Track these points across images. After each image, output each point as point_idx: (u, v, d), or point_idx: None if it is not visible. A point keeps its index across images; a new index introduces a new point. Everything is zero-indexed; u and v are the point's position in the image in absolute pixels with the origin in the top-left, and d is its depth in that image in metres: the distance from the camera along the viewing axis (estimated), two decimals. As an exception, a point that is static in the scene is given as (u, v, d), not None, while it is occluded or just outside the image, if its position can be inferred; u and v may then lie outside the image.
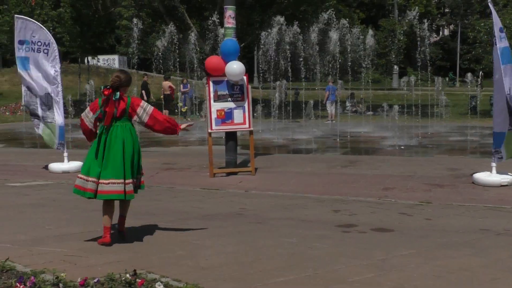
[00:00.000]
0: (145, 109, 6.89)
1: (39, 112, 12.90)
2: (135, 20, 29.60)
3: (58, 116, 12.72)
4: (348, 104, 31.92)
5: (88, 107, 7.07)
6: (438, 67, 68.64)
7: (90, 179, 6.66)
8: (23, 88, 13.19)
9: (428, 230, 7.41)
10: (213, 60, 12.09)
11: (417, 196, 9.77)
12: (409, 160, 14.07)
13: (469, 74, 28.92)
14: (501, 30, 10.42)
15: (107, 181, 6.64)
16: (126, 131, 6.82)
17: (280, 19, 25.91)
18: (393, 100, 40.79)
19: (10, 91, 40.74)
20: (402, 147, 16.72)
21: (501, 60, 10.15)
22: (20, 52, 12.86)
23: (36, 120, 13.12)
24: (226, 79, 11.83)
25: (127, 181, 6.73)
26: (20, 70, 13.06)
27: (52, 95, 12.67)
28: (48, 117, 12.85)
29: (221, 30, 22.27)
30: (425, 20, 33.37)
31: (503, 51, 10.31)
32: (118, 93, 6.70)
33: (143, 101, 7.07)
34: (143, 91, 28.39)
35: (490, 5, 10.68)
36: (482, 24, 33.44)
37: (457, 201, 9.35)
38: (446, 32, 77.65)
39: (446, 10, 73.99)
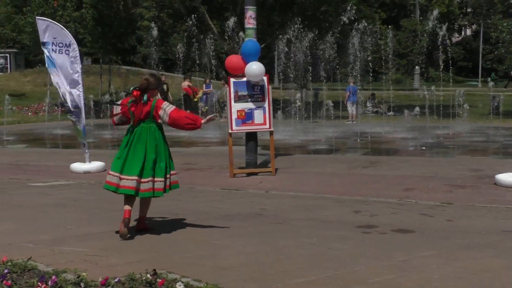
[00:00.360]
0: (165, 110, 7.07)
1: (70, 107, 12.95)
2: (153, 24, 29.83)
3: (81, 116, 12.80)
4: (369, 104, 31.81)
5: (121, 100, 7.41)
6: (460, 67, 68.26)
7: (114, 174, 7.01)
8: (56, 85, 13.21)
9: (449, 231, 7.37)
10: (233, 60, 12.10)
11: (439, 197, 9.71)
12: (430, 161, 13.99)
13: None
14: None
15: (124, 176, 6.95)
16: (150, 133, 7.06)
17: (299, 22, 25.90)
18: (417, 101, 40.63)
19: (33, 92, 41.08)
20: (423, 148, 16.63)
21: None
22: (46, 52, 12.95)
23: (71, 117, 13.08)
24: (246, 80, 11.84)
25: (143, 179, 6.96)
26: (49, 68, 13.11)
27: (73, 96, 12.74)
28: (76, 116, 12.93)
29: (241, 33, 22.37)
30: (447, 20, 33.20)
31: None
32: (146, 96, 6.90)
33: (165, 102, 7.23)
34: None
35: None
36: (505, 24, 33.21)
37: (479, 202, 9.28)
38: (469, 32, 77.13)
39: (469, 10, 73.48)
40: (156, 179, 7.05)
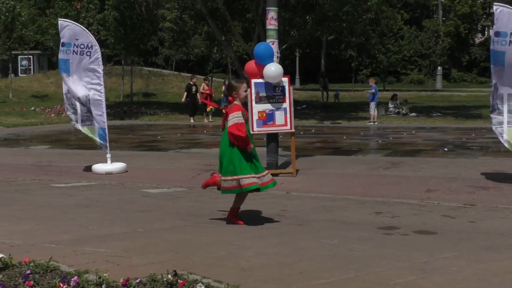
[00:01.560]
0: (228, 120, 7.60)
1: (79, 115, 13.07)
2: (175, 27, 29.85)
3: (100, 118, 12.89)
4: (390, 105, 31.70)
5: None
6: (483, 68, 67.76)
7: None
8: (64, 91, 13.40)
9: (471, 233, 7.32)
10: (252, 65, 12.13)
11: (461, 198, 9.66)
12: (452, 162, 13.90)
13: None
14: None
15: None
16: (225, 135, 7.66)
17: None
18: (439, 102, 40.41)
19: (56, 93, 41.43)
20: (446, 149, 16.53)
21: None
22: (61, 54, 13.06)
23: (76, 125, 13.30)
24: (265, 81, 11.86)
25: (222, 177, 7.68)
26: (61, 72, 13.26)
27: (93, 97, 12.84)
28: (88, 120, 13.04)
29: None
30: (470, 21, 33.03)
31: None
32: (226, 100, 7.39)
33: (234, 112, 7.57)
34: (185, 93, 28.62)
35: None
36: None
37: (502, 203, 9.21)
38: (491, 32, 76.55)
39: (492, 10, 72.96)
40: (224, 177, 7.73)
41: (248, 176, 7.49)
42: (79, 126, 13.23)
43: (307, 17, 31.27)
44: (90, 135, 13.15)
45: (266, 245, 6.70)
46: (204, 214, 8.49)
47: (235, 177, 7.50)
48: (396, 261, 6.00)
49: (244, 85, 7.80)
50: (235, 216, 7.85)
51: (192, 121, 28.29)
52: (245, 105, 7.98)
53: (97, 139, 13.03)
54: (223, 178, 7.62)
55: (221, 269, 5.71)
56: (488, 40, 69.86)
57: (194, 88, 28.50)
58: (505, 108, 10.91)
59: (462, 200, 9.43)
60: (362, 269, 5.72)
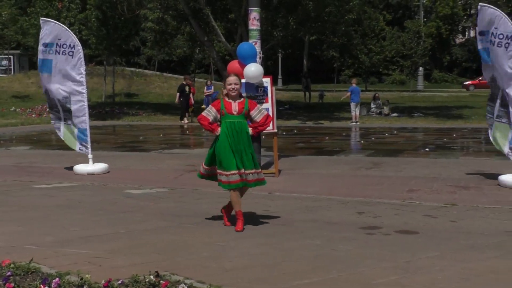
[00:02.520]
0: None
1: (61, 113, 13.04)
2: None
3: (82, 118, 12.83)
4: (372, 105, 31.82)
5: None
6: (464, 68, 68.23)
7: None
8: (44, 91, 13.35)
9: (453, 232, 7.36)
10: (235, 65, 12.11)
11: (442, 198, 9.71)
12: (434, 162, 13.96)
13: None
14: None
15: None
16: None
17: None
18: (420, 102, 40.62)
19: (37, 93, 41.13)
20: (427, 149, 16.62)
21: None
22: (43, 54, 12.97)
23: (57, 123, 13.26)
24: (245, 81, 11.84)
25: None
26: (41, 72, 13.18)
27: (74, 98, 12.78)
28: (68, 119, 12.99)
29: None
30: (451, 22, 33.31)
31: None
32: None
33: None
34: (178, 94, 28.65)
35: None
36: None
37: (482, 203, 9.27)
38: (472, 33, 77.08)
39: (473, 11, 73.45)
40: None
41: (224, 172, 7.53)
42: (60, 130, 13.18)
43: (290, 18, 31.28)
44: (71, 142, 13.13)
45: (250, 245, 6.70)
46: (187, 215, 8.47)
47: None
48: (379, 261, 6.02)
49: (229, 78, 7.65)
50: (228, 212, 7.92)
51: (184, 121, 28.23)
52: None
53: (77, 145, 13.00)
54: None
55: (204, 270, 5.70)
56: (469, 41, 70.45)
57: (187, 89, 28.46)
58: (497, 102, 11.03)
59: (443, 200, 9.47)
60: (345, 269, 5.74)
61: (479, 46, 11.13)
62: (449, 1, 66.13)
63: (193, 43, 40.56)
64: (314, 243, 6.78)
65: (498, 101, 11.02)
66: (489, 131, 11.48)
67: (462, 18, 71.18)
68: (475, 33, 76.70)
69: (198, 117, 7.80)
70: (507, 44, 10.36)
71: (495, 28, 10.52)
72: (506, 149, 10.95)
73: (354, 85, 27.61)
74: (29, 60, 57.96)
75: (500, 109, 10.99)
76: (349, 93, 27.41)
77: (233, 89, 7.52)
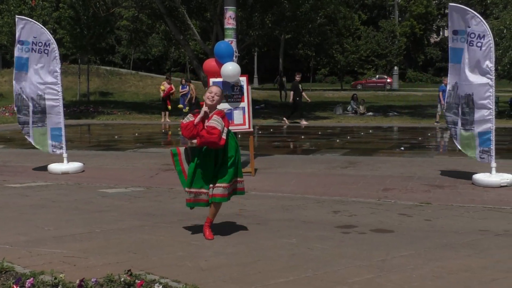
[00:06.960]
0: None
1: (30, 117, 12.89)
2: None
3: (57, 117, 12.71)
4: (353, 105, 31.99)
5: None
6: (438, 68, 68.73)
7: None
8: (15, 92, 13.17)
9: (427, 231, 7.41)
10: (211, 63, 12.08)
11: (417, 197, 9.77)
12: (409, 161, 14.05)
13: None
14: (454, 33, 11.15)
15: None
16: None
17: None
18: (395, 101, 40.86)
19: (10, 92, 40.50)
20: (402, 148, 16.72)
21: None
22: (19, 52, 12.85)
23: (26, 127, 13.11)
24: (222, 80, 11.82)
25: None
26: (16, 70, 13.04)
27: (49, 96, 12.67)
28: (39, 121, 12.83)
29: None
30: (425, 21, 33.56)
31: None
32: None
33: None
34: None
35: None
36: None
37: (456, 202, 9.34)
38: (447, 33, 77.70)
39: (447, 11, 74.07)
40: None
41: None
42: (30, 135, 13.05)
43: (265, 17, 31.30)
44: (43, 145, 12.99)
45: (225, 244, 6.69)
46: (162, 214, 8.44)
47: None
48: (354, 260, 6.04)
49: (213, 87, 7.36)
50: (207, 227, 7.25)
51: (166, 119, 28.38)
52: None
53: (49, 146, 12.89)
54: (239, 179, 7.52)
55: (180, 269, 5.69)
56: (444, 40, 70.98)
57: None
58: (459, 110, 11.11)
59: (418, 199, 9.54)
60: (320, 268, 5.75)
61: (451, 45, 11.35)
62: (423, 0, 66.66)
63: (169, 42, 40.45)
64: (289, 242, 6.79)
65: (460, 110, 11.10)
66: (455, 141, 11.57)
67: (436, 17, 71.76)
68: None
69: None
70: (479, 44, 10.48)
71: (468, 27, 10.63)
72: (477, 156, 10.98)
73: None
74: (2, 58, 57.38)
75: (463, 117, 11.07)
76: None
77: (212, 97, 7.11)
